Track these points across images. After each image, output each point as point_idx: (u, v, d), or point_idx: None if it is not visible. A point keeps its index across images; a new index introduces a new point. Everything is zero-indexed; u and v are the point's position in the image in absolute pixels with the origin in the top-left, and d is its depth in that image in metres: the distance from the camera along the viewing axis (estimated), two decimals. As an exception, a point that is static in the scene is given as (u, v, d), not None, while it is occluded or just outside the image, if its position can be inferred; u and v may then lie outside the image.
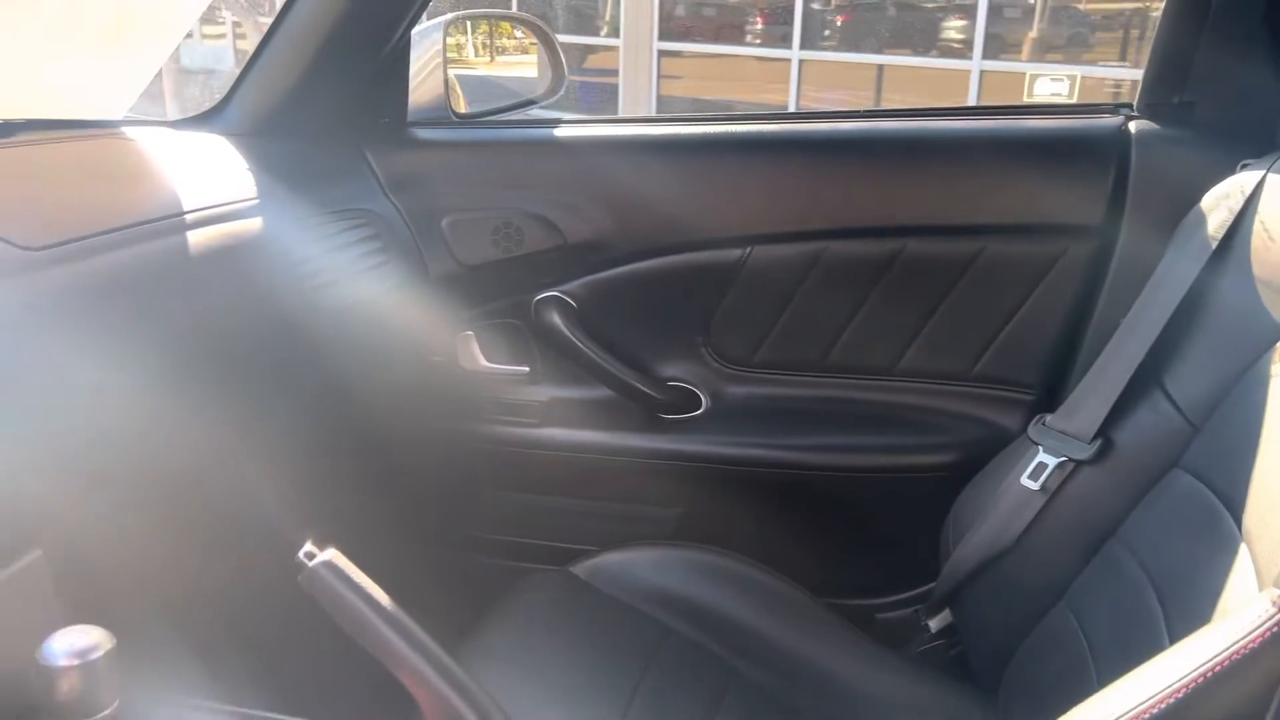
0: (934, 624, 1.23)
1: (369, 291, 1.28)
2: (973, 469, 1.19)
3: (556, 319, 1.43)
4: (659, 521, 1.51)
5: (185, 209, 1.06)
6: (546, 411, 1.50)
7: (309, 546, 0.77)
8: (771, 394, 1.46)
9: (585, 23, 10.42)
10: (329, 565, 0.76)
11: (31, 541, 0.89)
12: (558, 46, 1.60)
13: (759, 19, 9.46)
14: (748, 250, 1.39)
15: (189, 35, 9.13)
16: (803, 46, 8.70)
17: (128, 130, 1.22)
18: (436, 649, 0.76)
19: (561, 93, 1.60)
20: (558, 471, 1.51)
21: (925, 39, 8.68)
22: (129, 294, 0.94)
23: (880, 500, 1.43)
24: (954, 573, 1.13)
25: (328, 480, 1.33)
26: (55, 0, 1.09)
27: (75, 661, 0.67)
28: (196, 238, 1.04)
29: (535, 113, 1.66)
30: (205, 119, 1.34)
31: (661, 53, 9.41)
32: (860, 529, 1.47)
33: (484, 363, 1.49)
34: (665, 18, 9.38)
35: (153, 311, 0.96)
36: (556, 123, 1.46)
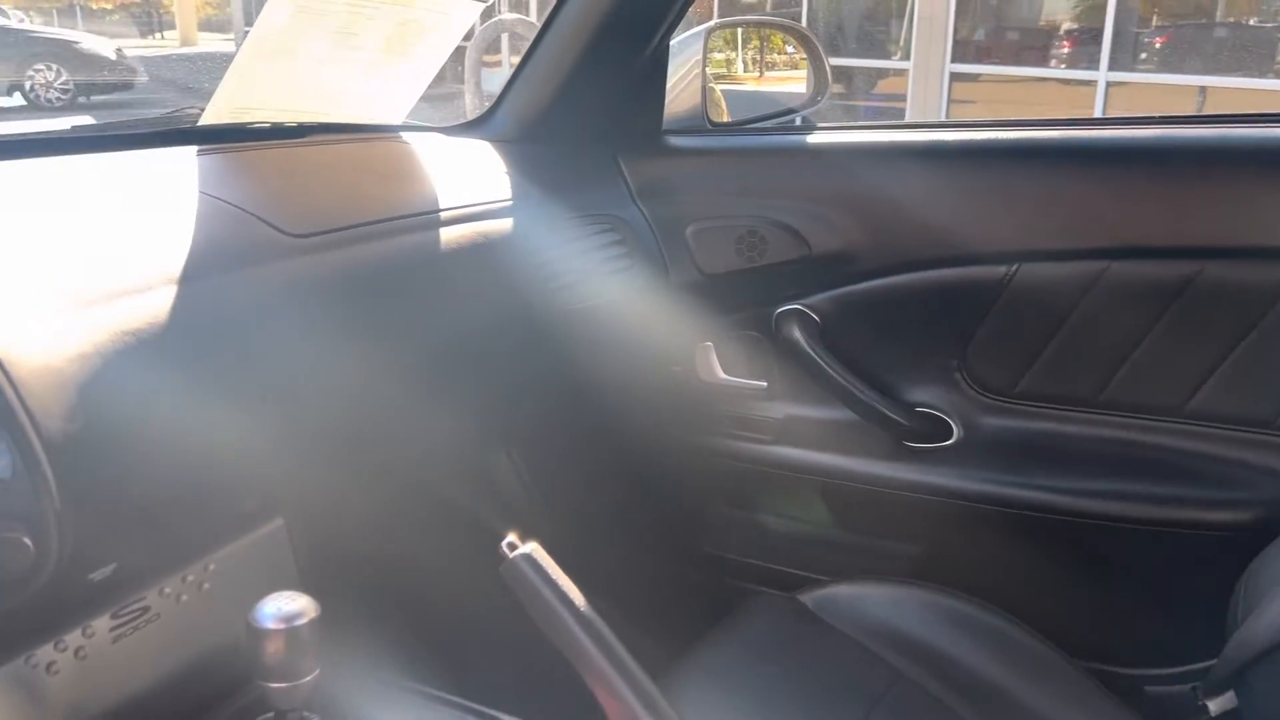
0: (1214, 706, 1.05)
1: (611, 296, 1.28)
2: (1274, 530, 1.02)
3: (798, 333, 1.38)
4: (896, 557, 1.41)
5: (441, 207, 1.11)
6: (783, 429, 1.44)
7: (512, 538, 0.77)
8: (1034, 429, 1.33)
9: (876, 47, 10.22)
10: (528, 559, 0.75)
11: (276, 510, 0.95)
12: (822, 54, 1.55)
13: (1066, 43, 8.89)
14: (1014, 268, 1.27)
15: (498, 64, 9.83)
16: (1112, 68, 8.07)
17: (404, 135, 1.30)
18: (628, 658, 0.74)
19: (823, 101, 1.54)
20: (791, 493, 1.45)
21: (1262, 59, 7.80)
22: (382, 282, 0.99)
23: (1158, 558, 1.26)
24: (1242, 649, 0.96)
25: (556, 479, 1.34)
26: (341, 11, 1.17)
27: (281, 626, 0.70)
28: (449, 234, 1.08)
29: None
30: (473, 126, 1.41)
31: (954, 75, 9.04)
32: (1131, 588, 1.30)
33: (722, 375, 1.46)
34: (962, 41, 9.02)
35: (403, 300, 1.00)
36: (811, 129, 1.41)
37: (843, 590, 1.16)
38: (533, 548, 0.76)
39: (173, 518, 0.82)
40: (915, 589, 1.16)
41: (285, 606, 0.71)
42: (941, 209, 1.29)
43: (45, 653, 0.75)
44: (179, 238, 0.85)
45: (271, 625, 0.70)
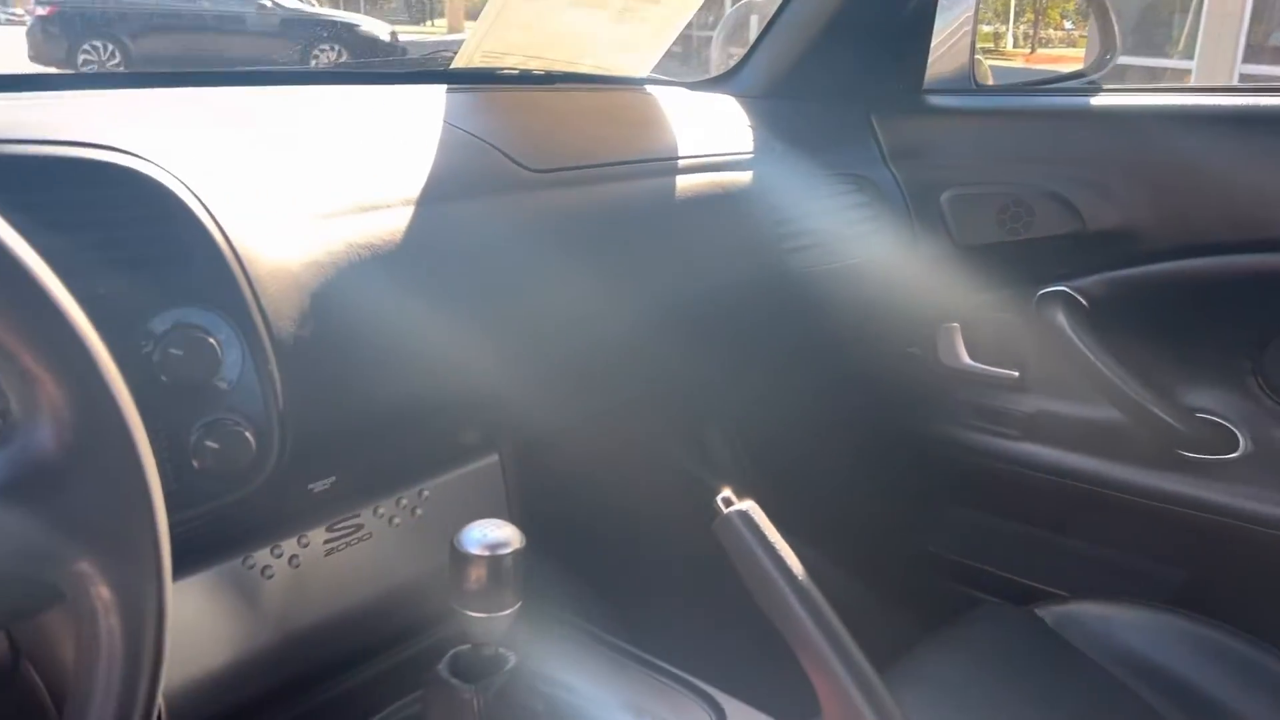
0: None
1: (850, 262, 1.20)
2: None
3: (1061, 319, 1.23)
4: (1156, 579, 1.25)
5: (681, 155, 1.07)
6: (1033, 425, 1.30)
7: (728, 493, 0.71)
8: None
9: (1153, 44, 9.44)
10: (744, 516, 0.69)
11: (493, 445, 0.94)
12: (1111, 16, 1.39)
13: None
14: None
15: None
16: None
17: (648, 88, 1.27)
18: (847, 635, 0.66)
19: (1108, 68, 1.38)
20: (1036, 496, 1.31)
21: None
22: (616, 224, 0.96)
23: None
24: None
25: (769, 449, 1.27)
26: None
27: (485, 553, 0.67)
28: (688, 182, 1.04)
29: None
30: (719, 81, 1.36)
31: (1243, 78, 8.21)
32: None
33: (967, 360, 1.34)
34: (1255, 46, 8.18)
35: (636, 244, 0.97)
36: (1095, 90, 1.26)
37: (1088, 609, 1.03)
38: (750, 505, 0.70)
39: (393, 438, 0.82)
40: (1176, 617, 1.01)
41: (491, 534, 0.68)
42: (1248, 184, 1.11)
43: (262, 556, 0.77)
44: (420, 163, 0.85)
45: (475, 551, 0.67)
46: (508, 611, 0.68)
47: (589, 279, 0.91)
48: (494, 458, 0.93)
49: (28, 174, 0.63)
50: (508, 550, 0.67)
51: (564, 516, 1.02)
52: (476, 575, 0.67)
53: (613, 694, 0.79)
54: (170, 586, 0.48)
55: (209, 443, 0.64)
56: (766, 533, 0.69)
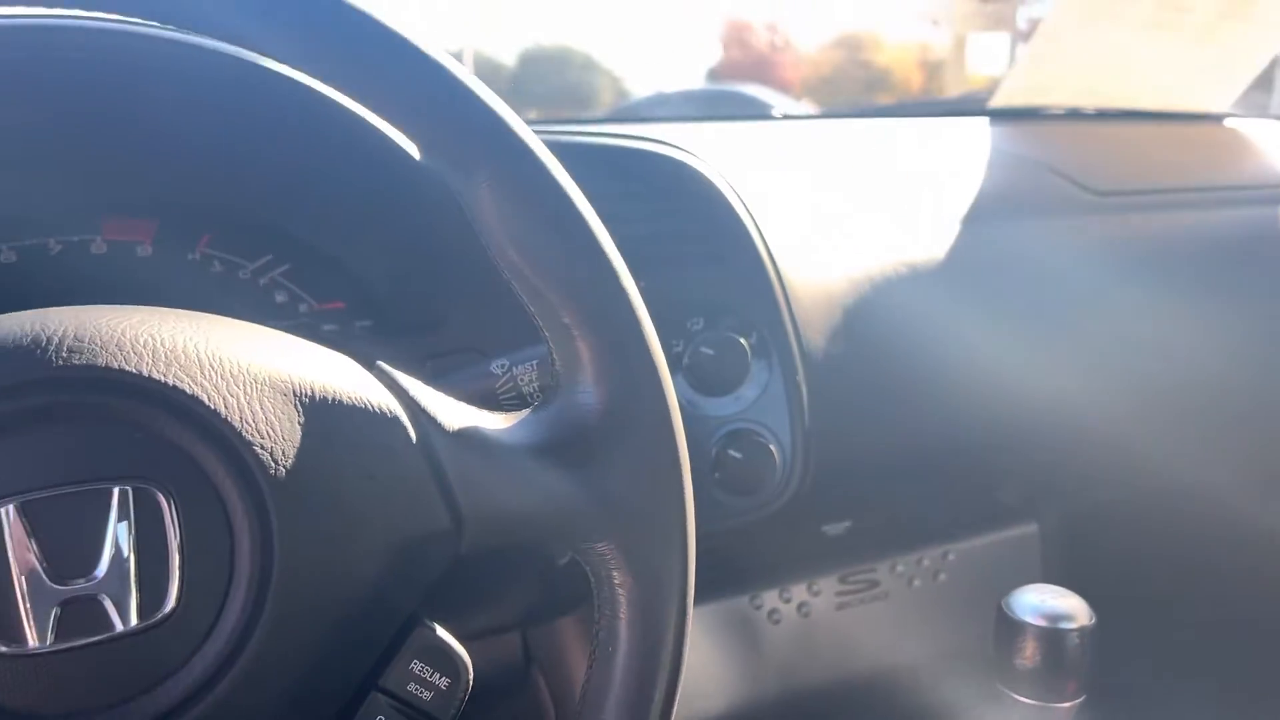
0: None
1: None
2: None
3: None
4: None
5: (1261, 184, 0.88)
6: None
7: None
8: None
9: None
10: None
11: (1033, 511, 0.80)
12: None
13: None
14: None
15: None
16: None
17: (1228, 121, 1.08)
18: None
19: None
20: None
21: None
22: (1200, 252, 0.82)
23: None
24: None
25: None
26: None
27: (1043, 624, 0.53)
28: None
29: None
30: None
31: None
32: None
33: None
34: None
35: (1222, 273, 0.82)
36: None
37: None
38: None
39: (919, 483, 0.72)
40: None
41: (1050, 602, 0.54)
42: None
43: (770, 598, 0.70)
44: (967, 185, 0.77)
45: (1031, 620, 0.53)
46: (1067, 705, 0.54)
47: (1169, 312, 0.75)
48: (1032, 526, 0.79)
49: (596, 162, 0.64)
50: (1073, 626, 0.53)
51: (1123, 606, 0.83)
52: (1031, 651, 0.53)
53: None
54: (693, 584, 0.42)
55: (732, 452, 0.59)
56: None
